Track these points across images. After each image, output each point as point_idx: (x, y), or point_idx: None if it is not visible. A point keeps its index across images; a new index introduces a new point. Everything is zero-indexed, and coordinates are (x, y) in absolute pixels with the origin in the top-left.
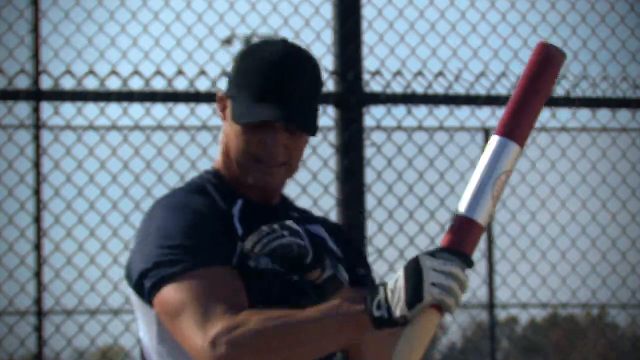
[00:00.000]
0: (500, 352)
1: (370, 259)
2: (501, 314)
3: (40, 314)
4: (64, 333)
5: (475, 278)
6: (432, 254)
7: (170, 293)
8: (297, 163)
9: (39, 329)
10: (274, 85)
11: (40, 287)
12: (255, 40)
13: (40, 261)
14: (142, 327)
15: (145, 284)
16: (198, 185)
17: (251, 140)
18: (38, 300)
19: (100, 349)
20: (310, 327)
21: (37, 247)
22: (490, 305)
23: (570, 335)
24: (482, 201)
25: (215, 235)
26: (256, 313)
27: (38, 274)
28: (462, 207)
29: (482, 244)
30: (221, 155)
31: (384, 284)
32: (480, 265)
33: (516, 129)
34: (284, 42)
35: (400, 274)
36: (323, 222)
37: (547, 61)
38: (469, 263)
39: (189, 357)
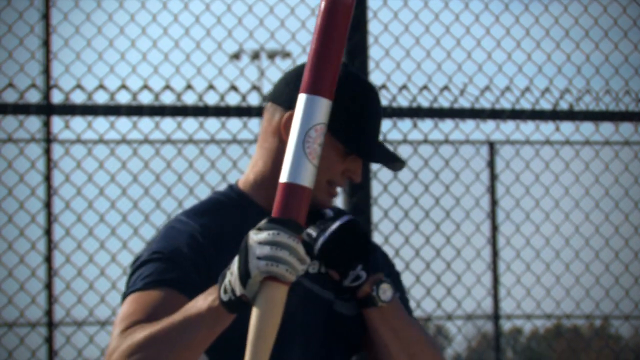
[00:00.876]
0: None
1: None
2: (506, 325)
3: (51, 325)
4: (75, 344)
5: (480, 289)
6: (259, 227)
7: (124, 303)
8: None
9: (49, 340)
10: (379, 128)
11: (51, 298)
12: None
13: (51, 273)
14: None
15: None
16: (211, 205)
17: (344, 167)
18: (49, 312)
19: None
20: (176, 328)
21: (48, 259)
22: (495, 316)
23: (574, 346)
24: (298, 162)
25: (193, 271)
26: (140, 326)
27: (49, 286)
28: (283, 174)
29: (487, 256)
30: (257, 173)
31: (229, 268)
32: (486, 276)
33: (317, 82)
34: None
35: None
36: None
37: (335, 9)
38: (295, 228)
39: None
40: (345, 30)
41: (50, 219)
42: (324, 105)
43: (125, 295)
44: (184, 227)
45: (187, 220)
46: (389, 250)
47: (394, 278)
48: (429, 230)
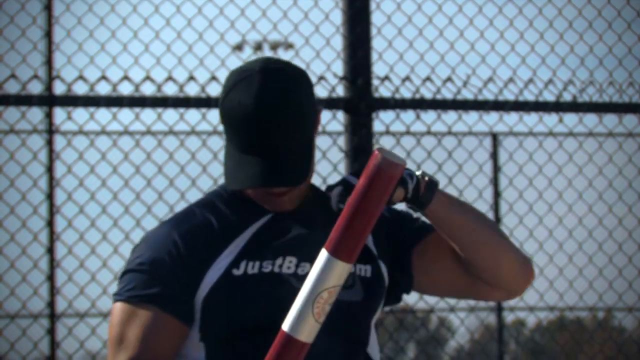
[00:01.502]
0: (508, 355)
1: None
2: (509, 317)
3: (53, 316)
4: (77, 335)
5: None
6: None
7: (113, 311)
8: (309, 173)
9: (51, 331)
10: (255, 139)
11: (53, 290)
12: (253, 55)
13: (53, 264)
14: None
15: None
16: (204, 204)
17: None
18: (51, 303)
19: None
20: None
21: (50, 250)
22: (499, 308)
23: (577, 338)
24: (303, 318)
25: (174, 283)
26: None
27: (51, 277)
28: (286, 321)
29: None
30: None
31: None
32: None
33: (342, 246)
34: (261, 73)
35: None
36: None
37: (378, 176)
38: None
39: None
40: (384, 199)
41: (52, 210)
42: (343, 270)
43: (115, 298)
44: (167, 235)
45: (171, 228)
46: None
47: (413, 220)
48: None
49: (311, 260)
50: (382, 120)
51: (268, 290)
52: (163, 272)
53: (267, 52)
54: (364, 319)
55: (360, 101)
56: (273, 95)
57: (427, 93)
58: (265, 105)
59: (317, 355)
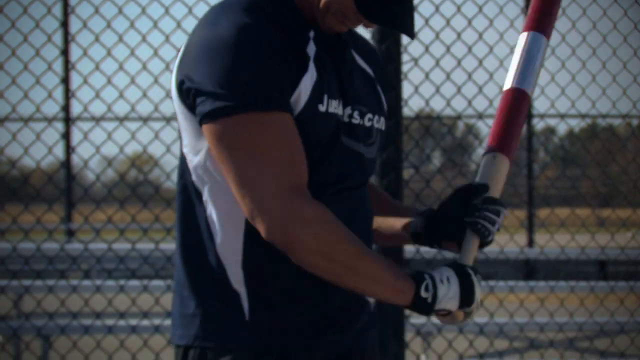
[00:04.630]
0: (538, 163)
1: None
2: (539, 124)
3: (68, 120)
4: (92, 140)
5: None
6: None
7: (235, 128)
8: None
9: (66, 136)
10: None
11: (68, 93)
12: None
13: (67, 67)
14: (187, 140)
15: (202, 106)
16: (270, 12)
17: (352, 20)
18: (66, 107)
19: (128, 157)
20: (372, 272)
21: (65, 52)
22: (528, 116)
23: (609, 147)
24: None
25: (285, 78)
26: (339, 225)
27: (66, 80)
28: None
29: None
30: None
31: (431, 276)
32: None
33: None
34: None
35: (450, 274)
36: (364, 47)
37: None
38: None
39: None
40: None
41: (66, 10)
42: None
43: (234, 108)
44: (264, 29)
45: (265, 22)
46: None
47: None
48: (460, 107)
49: (373, 111)
50: None
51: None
52: (278, 74)
53: None
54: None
55: None
56: None
57: None
58: None
59: (363, 202)
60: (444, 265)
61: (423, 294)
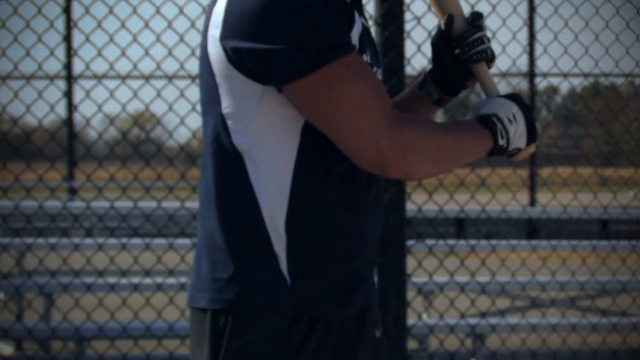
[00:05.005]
0: (540, 122)
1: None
2: (541, 83)
3: (70, 78)
4: (94, 99)
5: (515, 46)
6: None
7: (325, 80)
8: None
9: (68, 94)
10: None
11: (70, 51)
12: None
13: (70, 25)
14: (230, 101)
15: (281, 68)
16: None
17: None
18: (68, 65)
19: (130, 115)
20: (463, 145)
21: (67, 10)
22: (531, 74)
23: (612, 106)
24: None
25: (345, 25)
26: (426, 125)
27: (68, 38)
28: None
29: (523, 12)
30: None
31: (498, 117)
32: (522, 33)
33: None
34: None
35: (515, 109)
36: None
37: None
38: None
39: (280, 136)
40: None
41: None
42: None
43: (317, 62)
44: None
45: None
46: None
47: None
48: None
49: (378, 64)
50: None
51: None
52: (341, 22)
53: None
54: None
55: None
56: None
57: None
58: None
59: None
60: (503, 98)
61: (500, 142)
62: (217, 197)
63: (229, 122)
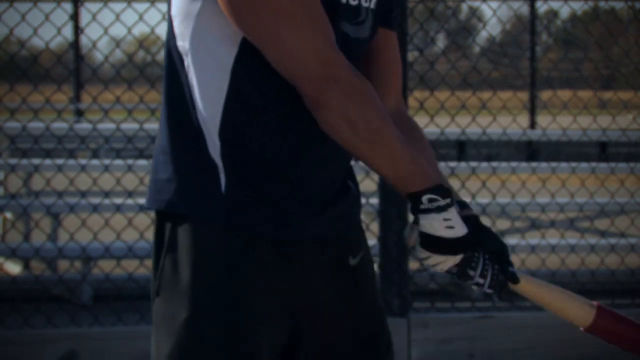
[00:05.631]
0: (540, 46)
1: None
2: (542, 7)
3: (76, 1)
4: (101, 21)
5: None
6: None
7: None
8: None
9: (75, 16)
10: None
11: None
12: None
13: None
14: (178, 3)
15: None
16: None
17: None
18: None
19: (136, 38)
20: (398, 148)
21: None
22: None
23: (612, 29)
24: None
25: None
26: (371, 97)
27: None
28: None
29: None
30: None
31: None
32: None
33: None
34: None
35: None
36: None
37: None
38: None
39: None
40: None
41: None
42: None
43: None
44: None
45: None
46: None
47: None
48: None
49: None
50: None
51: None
52: None
53: None
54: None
55: None
56: None
57: None
58: None
59: None
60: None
61: (425, 204)
62: (165, 100)
63: (175, 25)
